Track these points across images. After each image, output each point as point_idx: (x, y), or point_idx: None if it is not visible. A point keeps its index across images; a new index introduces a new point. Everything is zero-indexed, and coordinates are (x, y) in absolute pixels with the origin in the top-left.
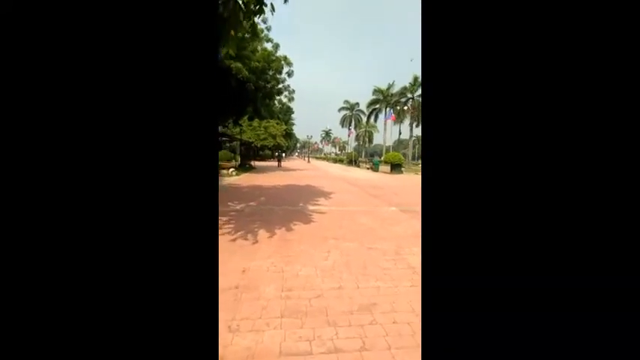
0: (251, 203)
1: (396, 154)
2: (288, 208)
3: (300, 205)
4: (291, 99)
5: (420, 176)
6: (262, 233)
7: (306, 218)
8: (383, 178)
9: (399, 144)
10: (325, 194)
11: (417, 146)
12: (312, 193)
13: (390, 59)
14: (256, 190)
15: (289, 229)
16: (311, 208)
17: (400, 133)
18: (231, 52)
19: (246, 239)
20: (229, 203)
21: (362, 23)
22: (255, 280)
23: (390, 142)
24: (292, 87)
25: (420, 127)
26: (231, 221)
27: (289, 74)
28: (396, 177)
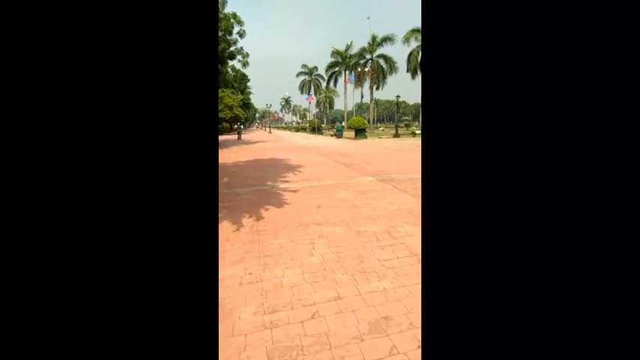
0: None
1: (360, 118)
2: (255, 190)
3: (269, 183)
4: (245, 64)
5: (386, 140)
6: (228, 226)
7: (277, 200)
8: (349, 144)
9: (359, 108)
10: (294, 168)
11: (375, 109)
12: (279, 168)
13: (349, 21)
14: None
15: (260, 217)
16: (281, 186)
17: (362, 97)
18: None
19: None
20: None
21: None
22: (226, 299)
23: (350, 107)
24: (246, 50)
25: (380, 90)
26: None
27: (241, 35)
28: (362, 142)
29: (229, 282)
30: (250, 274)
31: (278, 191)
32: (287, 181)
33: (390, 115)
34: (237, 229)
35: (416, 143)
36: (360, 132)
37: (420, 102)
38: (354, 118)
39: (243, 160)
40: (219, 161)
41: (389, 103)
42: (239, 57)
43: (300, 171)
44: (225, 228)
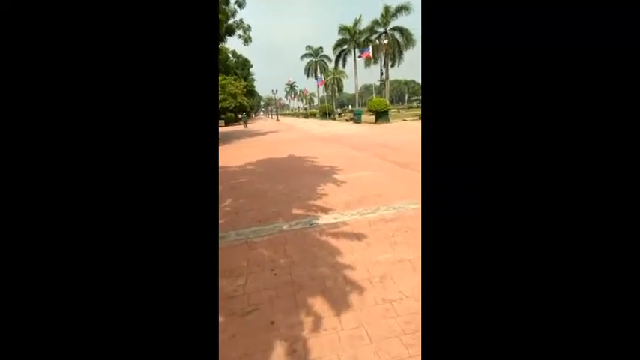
0: None
1: (381, 99)
2: (279, 232)
3: (299, 212)
4: (247, 39)
5: (413, 123)
6: None
7: (331, 267)
8: (377, 130)
9: (366, 90)
10: (328, 174)
11: (386, 90)
12: (306, 174)
13: None
14: None
15: None
16: (323, 221)
17: (382, 73)
18: None
19: None
20: None
21: None
22: None
23: (359, 89)
24: (247, 23)
25: (397, 66)
26: None
27: (240, 4)
28: (390, 127)
29: None
30: None
31: (323, 237)
32: (329, 208)
33: (399, 96)
34: None
35: None
36: (381, 115)
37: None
38: (375, 99)
39: (254, 160)
40: (222, 165)
41: (397, 83)
42: (239, 32)
43: (340, 180)
44: None
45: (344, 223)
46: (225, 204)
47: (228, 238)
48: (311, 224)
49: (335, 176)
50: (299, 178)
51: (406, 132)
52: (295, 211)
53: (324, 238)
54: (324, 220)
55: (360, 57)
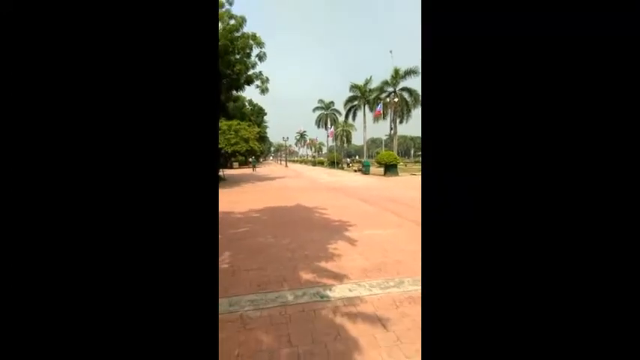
0: None
1: (390, 153)
2: (283, 306)
3: (308, 277)
4: (264, 89)
5: (420, 177)
6: None
7: None
8: (387, 183)
9: (372, 143)
10: (339, 230)
11: (390, 144)
12: (315, 228)
13: (365, 58)
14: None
15: None
16: (336, 293)
17: (391, 129)
18: None
19: None
20: None
21: (334, 21)
22: None
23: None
24: (265, 75)
25: (404, 123)
26: None
27: (260, 57)
28: (398, 181)
29: None
30: None
31: (337, 319)
32: (343, 274)
33: (405, 151)
34: None
35: None
36: (390, 168)
37: None
38: (384, 152)
39: (260, 207)
40: (226, 208)
41: (404, 139)
42: (257, 82)
43: (353, 238)
44: None
45: (362, 300)
46: (222, 257)
47: (219, 308)
48: (322, 297)
49: (347, 233)
50: (308, 232)
51: (417, 187)
52: (303, 275)
53: (338, 320)
54: (337, 291)
55: (372, 113)
